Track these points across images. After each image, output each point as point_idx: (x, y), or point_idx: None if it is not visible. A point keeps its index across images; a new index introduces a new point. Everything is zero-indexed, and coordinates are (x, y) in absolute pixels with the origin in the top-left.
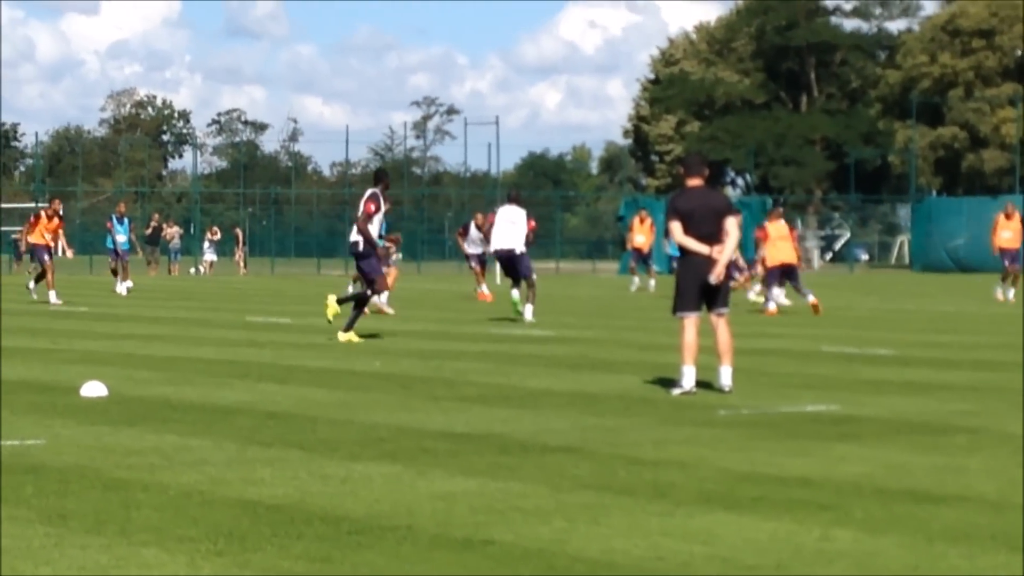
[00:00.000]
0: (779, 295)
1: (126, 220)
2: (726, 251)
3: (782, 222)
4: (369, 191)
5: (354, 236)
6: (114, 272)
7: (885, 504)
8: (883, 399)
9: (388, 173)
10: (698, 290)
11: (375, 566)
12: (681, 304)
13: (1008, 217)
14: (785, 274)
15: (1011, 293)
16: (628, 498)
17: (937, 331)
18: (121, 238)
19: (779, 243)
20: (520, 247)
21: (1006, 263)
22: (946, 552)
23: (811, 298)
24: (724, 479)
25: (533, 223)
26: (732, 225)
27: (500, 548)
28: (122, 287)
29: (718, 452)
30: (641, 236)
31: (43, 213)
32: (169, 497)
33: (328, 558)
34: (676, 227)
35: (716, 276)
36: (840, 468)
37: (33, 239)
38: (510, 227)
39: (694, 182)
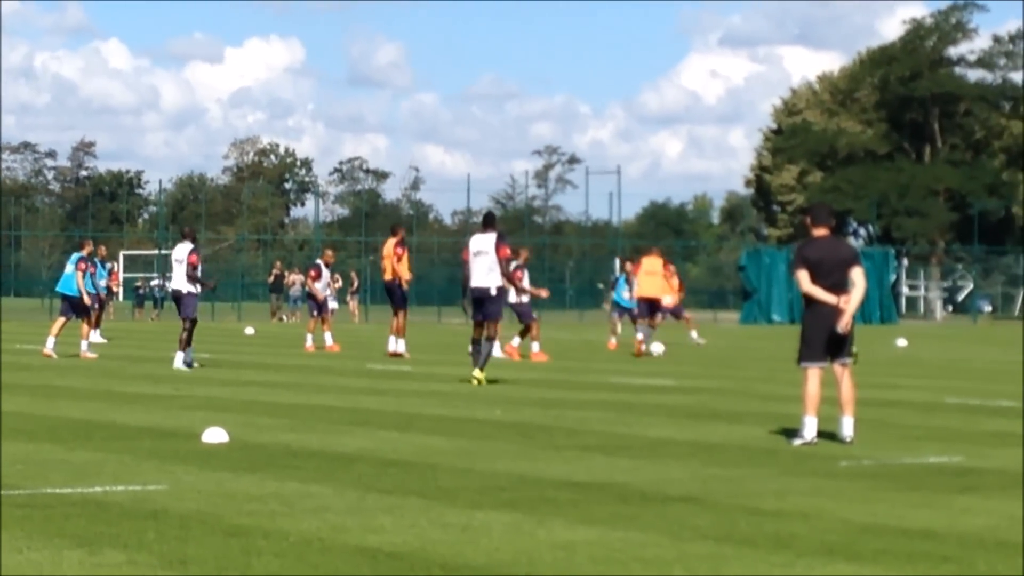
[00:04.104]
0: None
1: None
2: (853, 301)
3: (655, 258)
4: (495, 235)
5: (491, 281)
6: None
7: (1009, 557)
8: (1006, 451)
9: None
10: (825, 340)
11: None
12: (808, 354)
13: None
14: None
15: None
16: (749, 549)
17: None
18: (102, 282)
19: (646, 278)
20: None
21: None
22: None
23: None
24: (846, 531)
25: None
26: (859, 275)
27: None
28: (98, 336)
29: (840, 503)
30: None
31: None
32: (289, 544)
33: None
34: (803, 276)
35: (844, 326)
36: (963, 520)
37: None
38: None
39: (821, 232)
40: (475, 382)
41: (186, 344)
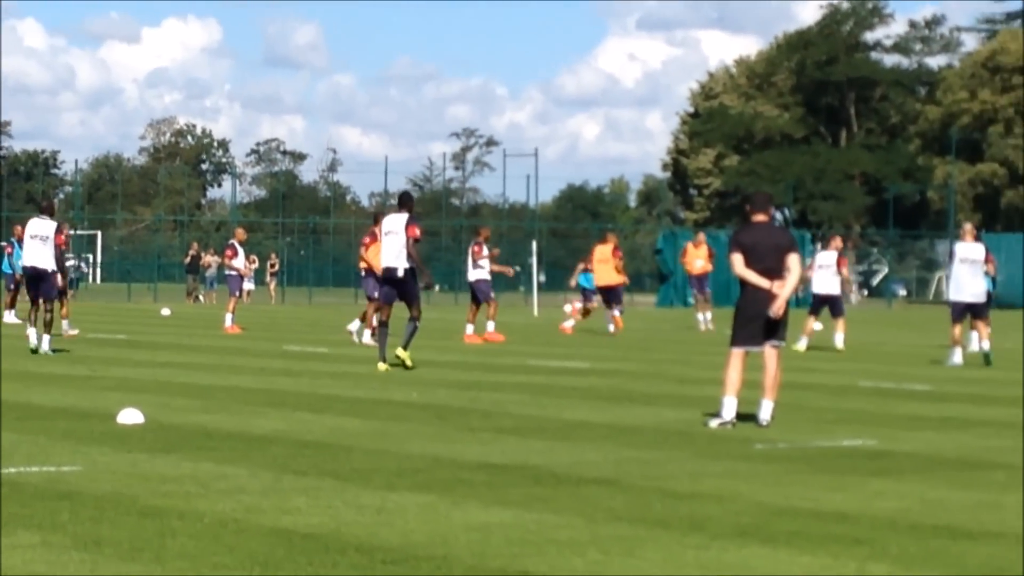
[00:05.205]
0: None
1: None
2: (787, 286)
3: (606, 245)
4: (407, 216)
5: (400, 261)
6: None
7: (920, 540)
8: (919, 434)
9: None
10: (759, 324)
11: None
12: (740, 337)
13: None
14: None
15: None
16: (663, 531)
17: (974, 367)
18: (19, 263)
19: (599, 267)
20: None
21: None
22: None
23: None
24: (760, 513)
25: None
26: (795, 262)
27: None
28: (12, 317)
29: (754, 486)
30: (700, 261)
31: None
32: (204, 525)
33: None
34: (737, 259)
35: (776, 310)
36: (876, 503)
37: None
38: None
39: (759, 218)
40: (403, 364)
41: (50, 326)
